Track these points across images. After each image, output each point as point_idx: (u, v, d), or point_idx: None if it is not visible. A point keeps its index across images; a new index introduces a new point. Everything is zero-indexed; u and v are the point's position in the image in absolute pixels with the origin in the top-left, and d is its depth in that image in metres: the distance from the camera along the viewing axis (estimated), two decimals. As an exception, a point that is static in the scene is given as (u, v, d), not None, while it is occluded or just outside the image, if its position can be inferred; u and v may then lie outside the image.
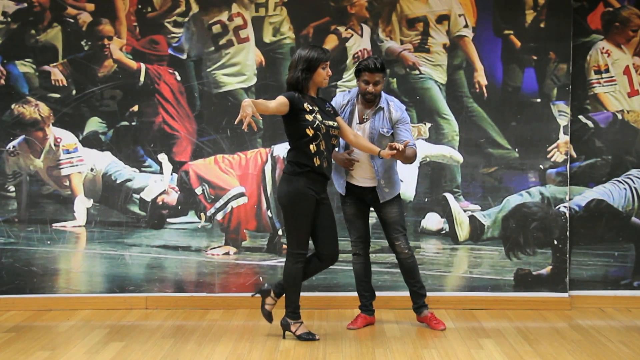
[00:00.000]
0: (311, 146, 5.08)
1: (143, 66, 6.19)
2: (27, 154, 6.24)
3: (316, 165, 5.11)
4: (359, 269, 5.62)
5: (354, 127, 5.42)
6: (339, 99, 5.49)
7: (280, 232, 6.20)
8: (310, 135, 5.07)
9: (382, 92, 5.45)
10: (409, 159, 5.31)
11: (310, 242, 5.26)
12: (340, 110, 5.45)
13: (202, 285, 6.22)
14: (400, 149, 5.11)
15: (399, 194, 5.54)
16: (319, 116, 5.10)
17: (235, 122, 4.80)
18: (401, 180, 5.61)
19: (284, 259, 5.24)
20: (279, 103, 4.99)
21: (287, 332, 5.30)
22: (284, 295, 5.31)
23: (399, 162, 5.49)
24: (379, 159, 5.40)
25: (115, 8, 6.15)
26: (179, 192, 6.24)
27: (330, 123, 5.16)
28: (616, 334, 5.47)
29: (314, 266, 5.29)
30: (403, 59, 6.17)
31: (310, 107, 5.09)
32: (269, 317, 5.40)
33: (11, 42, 6.16)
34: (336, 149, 5.43)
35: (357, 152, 5.43)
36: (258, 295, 5.47)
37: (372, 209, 5.60)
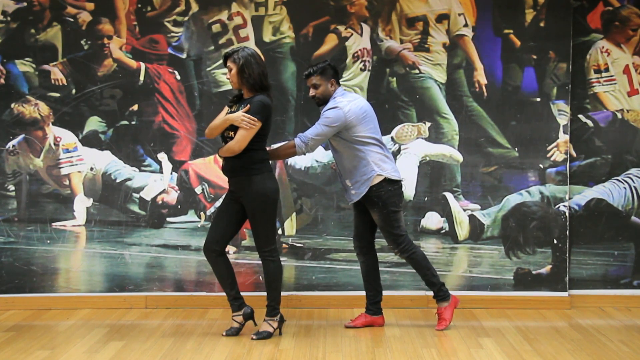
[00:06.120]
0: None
1: (143, 65, 6.19)
2: (27, 153, 6.24)
3: None
4: (361, 269, 5.60)
5: None
6: None
7: (280, 232, 6.19)
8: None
9: (339, 90, 5.34)
10: (276, 156, 5.46)
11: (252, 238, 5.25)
12: None
13: (201, 285, 6.22)
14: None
15: (383, 198, 5.28)
16: None
17: None
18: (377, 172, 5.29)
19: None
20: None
21: (280, 329, 5.29)
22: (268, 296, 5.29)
23: (368, 158, 5.27)
24: (339, 160, 5.36)
25: (115, 7, 6.14)
26: (178, 192, 6.24)
27: None
28: (616, 333, 5.47)
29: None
30: (403, 58, 6.16)
31: None
32: None
33: (11, 41, 6.15)
34: None
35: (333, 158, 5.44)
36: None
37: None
